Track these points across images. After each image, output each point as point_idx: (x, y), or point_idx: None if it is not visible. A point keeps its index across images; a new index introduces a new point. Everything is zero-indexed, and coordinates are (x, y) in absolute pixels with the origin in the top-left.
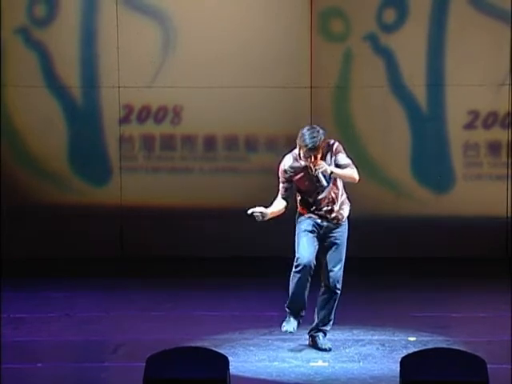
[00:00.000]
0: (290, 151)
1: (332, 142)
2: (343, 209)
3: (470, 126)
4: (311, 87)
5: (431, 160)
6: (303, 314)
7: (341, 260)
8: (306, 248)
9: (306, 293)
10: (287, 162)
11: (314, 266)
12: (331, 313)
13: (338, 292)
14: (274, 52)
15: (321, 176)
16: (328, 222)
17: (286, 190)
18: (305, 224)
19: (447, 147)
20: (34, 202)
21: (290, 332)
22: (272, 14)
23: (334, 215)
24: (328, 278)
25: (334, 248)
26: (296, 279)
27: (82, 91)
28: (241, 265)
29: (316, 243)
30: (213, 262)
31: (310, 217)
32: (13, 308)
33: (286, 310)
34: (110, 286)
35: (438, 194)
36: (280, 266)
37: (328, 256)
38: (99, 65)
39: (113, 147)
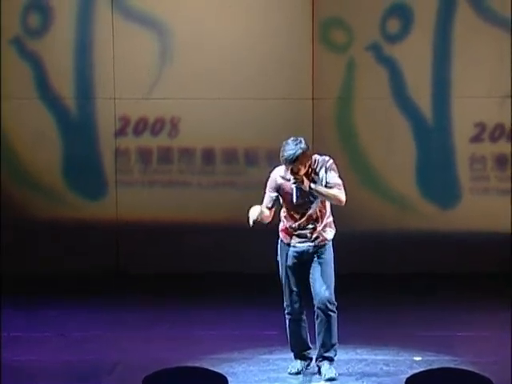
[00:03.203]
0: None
1: (327, 158)
2: (326, 231)
3: (476, 138)
4: (313, 99)
5: (436, 173)
6: (309, 354)
7: (328, 280)
8: (293, 294)
9: (305, 333)
10: (279, 171)
11: (305, 305)
12: (331, 336)
13: (332, 314)
14: (274, 62)
15: (294, 191)
16: (309, 243)
17: (271, 200)
18: (286, 257)
19: (453, 160)
20: (26, 217)
21: (296, 373)
22: (273, 24)
23: (315, 235)
24: (318, 299)
25: (319, 268)
26: (290, 323)
27: (77, 103)
28: (239, 282)
29: (301, 279)
30: (211, 279)
31: (289, 244)
32: (7, 326)
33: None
34: (105, 304)
35: (444, 208)
36: (278, 283)
37: (314, 277)
38: (94, 75)
39: (108, 160)
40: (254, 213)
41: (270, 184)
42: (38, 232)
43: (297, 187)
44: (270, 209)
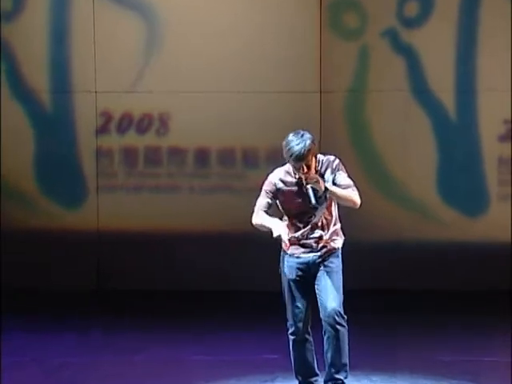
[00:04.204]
0: (282, 165)
1: (332, 158)
2: (334, 240)
3: (505, 137)
4: (320, 92)
5: (460, 177)
6: (317, 382)
7: (337, 290)
8: (297, 312)
9: (312, 357)
10: (278, 174)
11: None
12: (341, 355)
13: (341, 328)
14: (277, 51)
15: (310, 192)
16: (315, 253)
17: (268, 205)
18: (289, 271)
19: (479, 162)
20: None
21: None
22: (274, 7)
23: (322, 245)
24: (324, 312)
25: (325, 278)
26: (295, 346)
27: (53, 97)
28: (238, 300)
29: (306, 294)
30: (205, 297)
31: (293, 255)
32: None
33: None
34: (85, 325)
35: (469, 216)
36: (280, 301)
37: (320, 287)
38: (72, 66)
39: (88, 162)
40: (283, 230)
41: (268, 188)
42: (7, 244)
43: (312, 188)
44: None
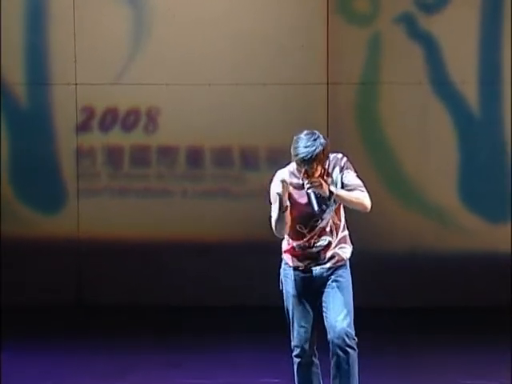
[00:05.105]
0: (285, 166)
1: (340, 156)
2: (342, 248)
3: None
4: (328, 84)
5: (484, 179)
6: None
7: (346, 309)
8: (302, 332)
9: (318, 381)
10: (281, 176)
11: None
12: (351, 382)
13: (351, 351)
14: (279, 39)
15: (312, 197)
16: (322, 265)
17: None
18: (292, 286)
19: (505, 162)
20: None
21: None
22: None
23: (329, 254)
24: (333, 333)
25: (333, 294)
26: (299, 369)
27: (28, 89)
28: (234, 317)
29: (313, 312)
30: (197, 314)
31: (297, 267)
32: None
33: None
34: (62, 345)
35: (494, 223)
36: (283, 317)
37: (328, 305)
38: (50, 55)
39: (68, 162)
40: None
41: (275, 192)
42: None
43: (314, 193)
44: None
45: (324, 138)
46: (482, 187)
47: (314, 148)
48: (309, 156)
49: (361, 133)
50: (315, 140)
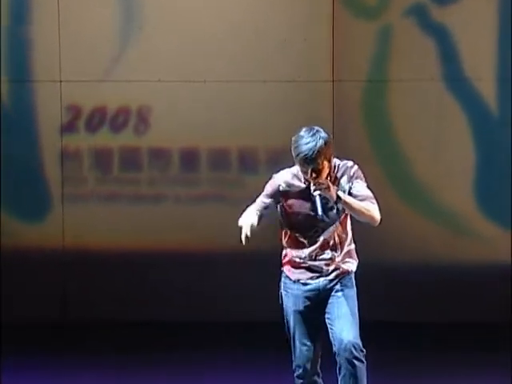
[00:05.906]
0: (289, 167)
1: (350, 164)
2: (347, 263)
3: None
4: (333, 81)
5: (503, 182)
6: None
7: (352, 319)
8: (304, 350)
9: None
10: (284, 175)
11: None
12: None
13: (359, 364)
14: (279, 33)
15: (318, 200)
16: (325, 277)
17: (264, 206)
18: (293, 300)
19: None
20: None
21: None
22: None
23: (333, 267)
24: (340, 345)
25: (339, 306)
26: None
27: (10, 87)
28: (229, 333)
29: (316, 328)
30: (190, 330)
31: (299, 281)
32: None
33: None
34: (46, 365)
35: None
36: (282, 334)
37: (333, 316)
38: (33, 51)
39: (52, 166)
40: (247, 223)
41: (270, 188)
42: None
43: (320, 196)
44: (259, 219)
45: (325, 131)
46: (499, 191)
47: (315, 143)
48: (311, 152)
49: (369, 134)
50: (315, 135)
